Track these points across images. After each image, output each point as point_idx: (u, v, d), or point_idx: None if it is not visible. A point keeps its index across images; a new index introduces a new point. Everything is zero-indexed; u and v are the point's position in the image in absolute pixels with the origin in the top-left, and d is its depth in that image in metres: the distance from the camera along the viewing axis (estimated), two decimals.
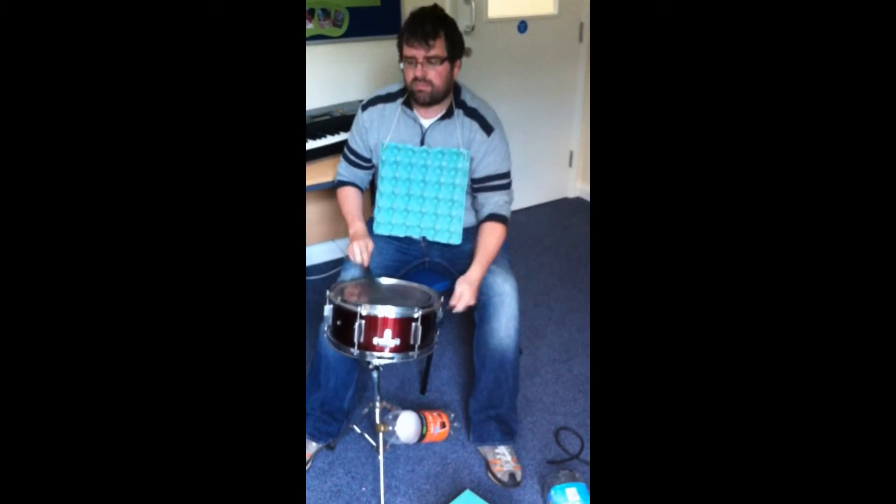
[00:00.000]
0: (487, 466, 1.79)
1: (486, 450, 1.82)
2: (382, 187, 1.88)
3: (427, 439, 1.69)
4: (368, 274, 1.77)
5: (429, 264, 1.96)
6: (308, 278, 2.78)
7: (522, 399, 2.04)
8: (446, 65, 1.71)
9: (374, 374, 1.61)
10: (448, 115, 1.81)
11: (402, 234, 1.91)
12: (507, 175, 1.85)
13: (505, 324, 1.71)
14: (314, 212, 2.85)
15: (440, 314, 1.61)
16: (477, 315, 1.77)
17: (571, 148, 3.68)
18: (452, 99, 1.81)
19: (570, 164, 3.72)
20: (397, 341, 1.51)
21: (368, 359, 1.52)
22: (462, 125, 1.80)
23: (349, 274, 1.79)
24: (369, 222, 1.96)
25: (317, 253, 3.00)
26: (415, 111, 1.81)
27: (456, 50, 1.73)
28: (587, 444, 1.89)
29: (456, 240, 1.88)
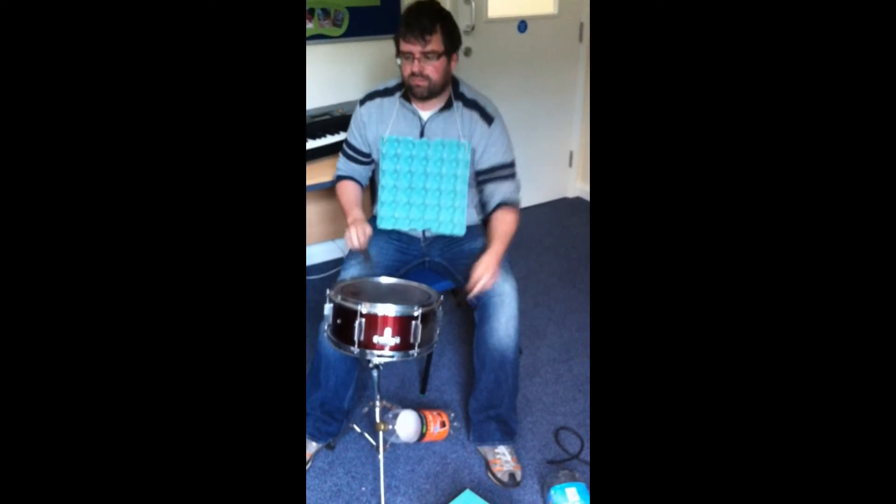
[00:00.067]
0: (487, 466, 1.79)
1: (485, 449, 1.82)
2: (384, 181, 1.88)
3: (427, 438, 1.69)
4: (367, 257, 1.76)
5: (429, 264, 1.96)
6: (308, 278, 2.78)
7: (522, 399, 2.04)
8: (443, 59, 1.71)
9: (374, 373, 1.61)
10: (447, 106, 1.81)
11: (405, 228, 1.91)
12: (512, 165, 1.85)
13: (505, 323, 1.71)
14: (314, 211, 2.85)
15: (440, 313, 1.61)
16: (477, 315, 1.77)
17: (571, 148, 3.68)
18: (451, 91, 1.81)
19: (570, 164, 3.72)
20: (397, 340, 1.51)
21: (368, 357, 1.52)
22: (462, 116, 1.80)
23: (349, 273, 1.79)
24: (372, 220, 1.96)
25: (317, 252, 3.00)
26: (413, 104, 1.81)
27: (453, 43, 1.73)
28: (587, 444, 1.89)
29: (459, 231, 1.88)
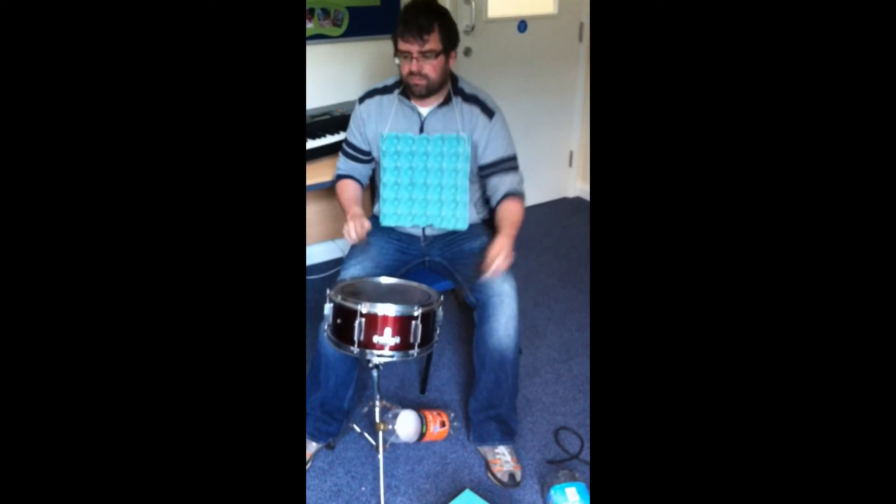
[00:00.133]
0: (487, 466, 1.79)
1: (485, 450, 1.82)
2: (385, 178, 1.88)
3: (427, 438, 1.69)
4: (366, 246, 1.76)
5: (429, 264, 1.96)
6: (308, 278, 2.78)
7: (522, 399, 2.04)
8: (441, 58, 1.71)
9: (374, 373, 1.61)
10: (446, 102, 1.81)
11: (407, 224, 1.91)
12: (514, 158, 1.86)
13: (504, 324, 1.71)
14: (314, 211, 2.85)
15: (440, 313, 1.61)
16: (476, 315, 1.77)
17: (571, 148, 3.68)
18: (450, 87, 1.81)
19: (570, 164, 3.72)
20: (397, 339, 1.51)
21: (368, 357, 1.52)
22: (461, 112, 1.81)
23: (349, 273, 1.79)
24: (372, 219, 1.97)
25: (317, 252, 3.00)
26: (412, 100, 1.82)
27: (451, 41, 1.73)
28: (587, 444, 1.89)
29: (462, 225, 1.88)
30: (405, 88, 1.80)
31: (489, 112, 1.82)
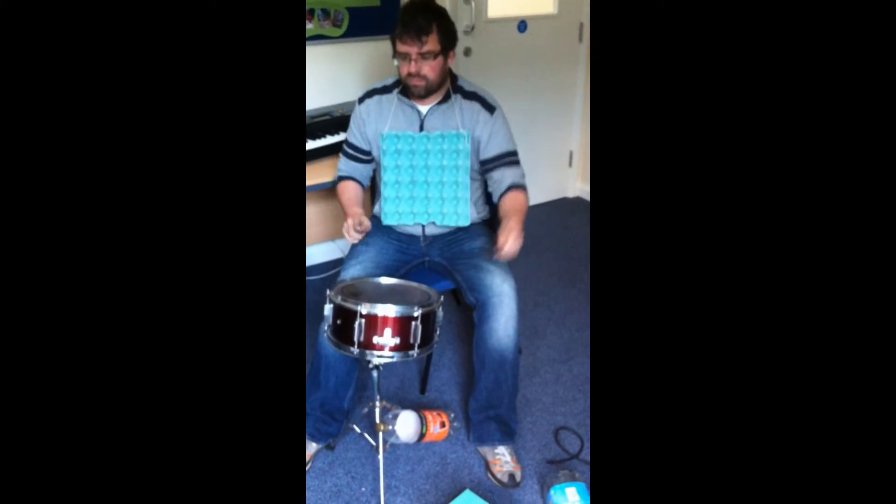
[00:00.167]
0: (487, 467, 1.79)
1: (485, 450, 1.82)
2: (386, 177, 1.88)
3: (427, 439, 1.69)
4: (365, 239, 1.78)
5: (429, 264, 1.96)
6: (308, 278, 2.78)
7: (522, 399, 2.04)
8: (440, 59, 1.72)
9: (374, 374, 1.61)
10: (445, 99, 1.82)
11: (409, 223, 1.91)
12: (516, 153, 1.86)
13: (504, 324, 1.71)
14: (314, 212, 2.85)
15: (440, 313, 1.61)
16: (476, 315, 1.77)
17: (571, 148, 3.68)
18: (449, 85, 1.82)
19: (570, 164, 3.71)
20: (397, 340, 1.51)
21: (368, 358, 1.52)
22: (461, 108, 1.81)
23: (349, 273, 1.79)
24: (373, 219, 1.96)
25: (317, 253, 3.00)
26: (411, 99, 1.82)
27: (450, 41, 1.74)
28: (587, 444, 1.89)
29: (464, 221, 1.89)
30: (405, 88, 1.80)
31: (490, 108, 1.82)
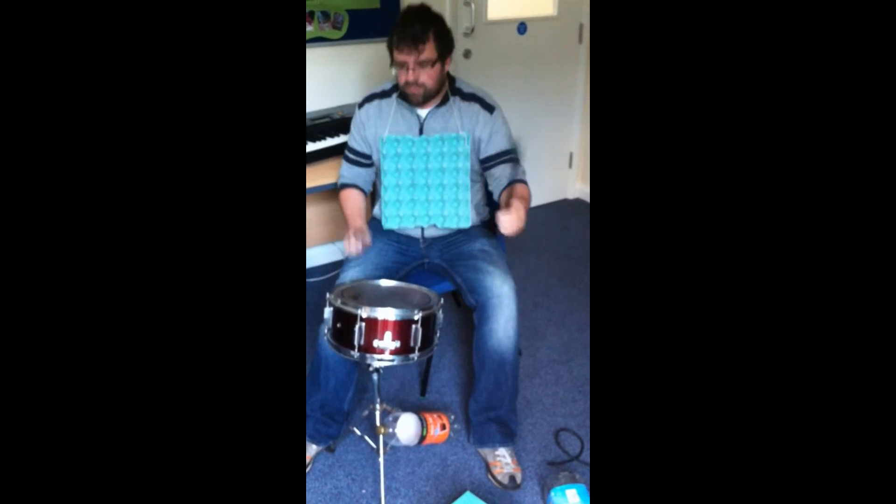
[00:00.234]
0: (487, 468, 1.79)
1: (486, 451, 1.82)
2: (386, 181, 1.88)
3: (427, 441, 1.69)
4: (365, 252, 1.77)
5: (428, 265, 1.97)
6: (308, 280, 2.78)
7: (522, 400, 2.04)
8: (438, 66, 1.73)
9: (375, 377, 1.61)
10: (444, 102, 1.82)
11: (410, 226, 1.91)
12: (517, 152, 1.88)
13: (504, 325, 1.71)
14: (314, 214, 2.85)
15: (440, 316, 1.61)
16: (476, 316, 1.77)
17: (571, 149, 3.68)
18: (448, 88, 1.82)
19: (570, 166, 3.72)
20: (397, 343, 1.51)
21: (369, 361, 1.52)
22: (460, 110, 1.82)
23: (349, 275, 1.79)
24: (373, 220, 1.96)
25: (317, 255, 3.00)
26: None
27: (446, 47, 1.74)
28: (587, 446, 1.89)
29: (465, 223, 1.89)
30: (403, 93, 1.81)
31: (489, 107, 1.83)
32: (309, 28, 2.60)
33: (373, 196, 2.05)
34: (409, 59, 1.68)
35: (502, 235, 1.79)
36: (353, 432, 1.84)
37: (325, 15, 2.62)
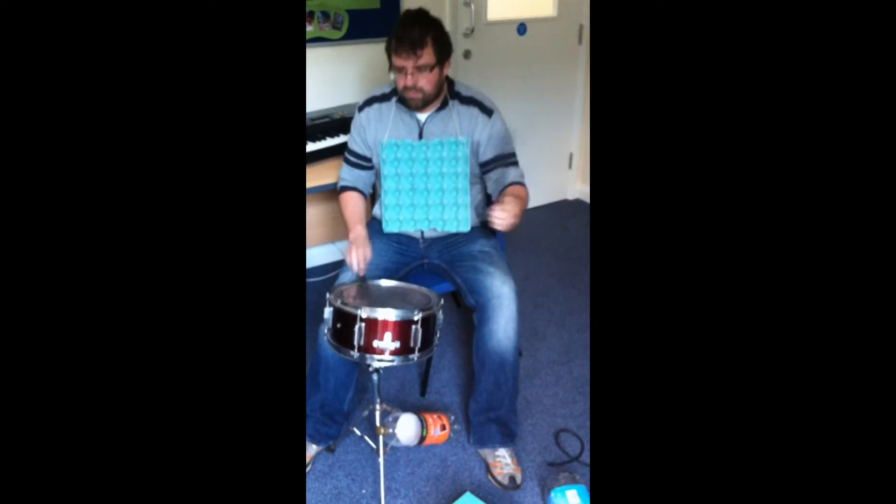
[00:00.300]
0: (487, 469, 1.79)
1: (486, 452, 1.82)
2: (386, 185, 1.88)
3: (427, 441, 1.69)
4: (363, 282, 1.76)
5: (428, 266, 1.97)
6: (308, 280, 2.78)
7: (522, 401, 2.04)
8: (436, 70, 1.73)
9: (374, 377, 1.61)
10: (443, 106, 1.82)
11: (411, 229, 1.91)
12: (515, 155, 1.88)
13: (504, 326, 1.71)
14: (314, 214, 2.85)
15: (440, 316, 1.61)
16: (476, 317, 1.77)
17: (571, 150, 3.68)
18: (447, 91, 1.82)
19: (570, 166, 3.72)
20: (397, 344, 1.51)
21: (368, 361, 1.52)
22: (459, 114, 1.82)
23: (348, 276, 1.79)
24: (373, 221, 1.96)
25: (316, 255, 3.00)
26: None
27: (444, 52, 1.74)
28: (587, 446, 1.89)
29: (464, 227, 1.89)
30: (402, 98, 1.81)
31: (488, 111, 1.83)
32: (309, 28, 2.60)
33: (373, 196, 2.05)
34: (408, 63, 1.69)
35: (502, 236, 1.79)
36: (353, 432, 1.84)
37: (325, 15, 2.62)
